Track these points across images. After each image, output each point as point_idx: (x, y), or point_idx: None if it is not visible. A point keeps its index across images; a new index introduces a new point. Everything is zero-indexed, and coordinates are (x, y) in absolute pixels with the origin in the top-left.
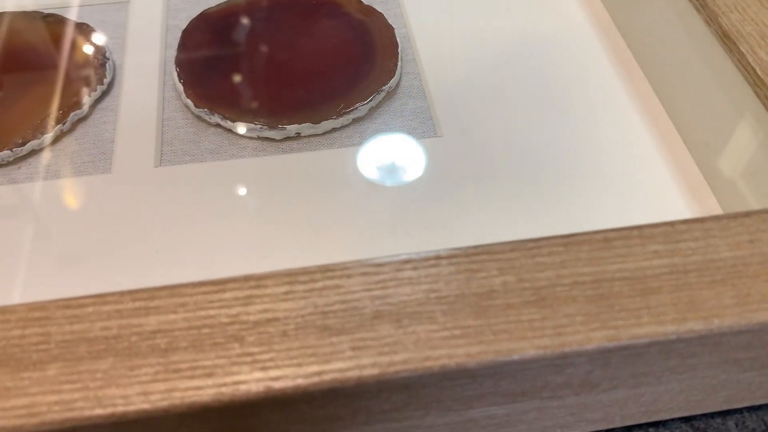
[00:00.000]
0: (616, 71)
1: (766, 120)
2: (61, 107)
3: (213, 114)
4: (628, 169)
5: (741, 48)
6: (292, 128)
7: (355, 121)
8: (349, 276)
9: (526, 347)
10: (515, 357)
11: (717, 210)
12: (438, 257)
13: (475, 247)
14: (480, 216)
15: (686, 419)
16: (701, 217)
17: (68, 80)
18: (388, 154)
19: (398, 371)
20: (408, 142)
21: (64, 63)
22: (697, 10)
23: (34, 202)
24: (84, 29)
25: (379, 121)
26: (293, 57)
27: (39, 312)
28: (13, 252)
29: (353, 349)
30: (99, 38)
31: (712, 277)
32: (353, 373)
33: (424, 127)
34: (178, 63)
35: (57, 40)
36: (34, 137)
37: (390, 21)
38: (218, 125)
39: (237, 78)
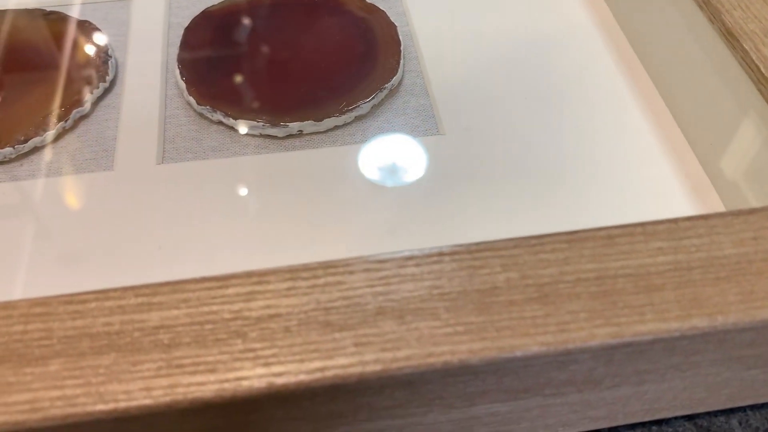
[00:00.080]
0: (619, 69)
1: None
2: (63, 104)
3: (215, 111)
4: (631, 166)
5: (744, 45)
6: (294, 126)
7: (358, 118)
8: (351, 272)
9: (529, 344)
10: (518, 354)
11: (720, 207)
12: (441, 254)
13: (478, 243)
14: (482, 213)
15: (689, 417)
16: (705, 214)
17: (70, 78)
18: (390, 151)
19: (401, 367)
20: (410, 139)
21: (67, 60)
22: (700, 7)
23: (36, 199)
24: (86, 27)
25: (382, 119)
26: (295, 54)
27: (41, 307)
28: (16, 249)
29: (356, 345)
30: (101, 36)
31: (716, 274)
32: (356, 369)
33: (426, 125)
34: (181, 61)
35: (59, 37)
36: (36, 134)
37: (392, 19)
38: (220, 123)
39: (239, 75)
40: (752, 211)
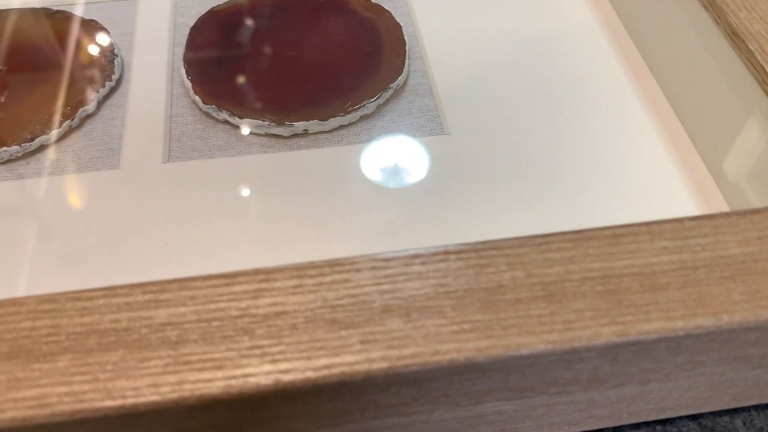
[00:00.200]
0: (623, 68)
1: None
2: (69, 103)
3: (221, 111)
4: (635, 166)
5: (750, 46)
6: (299, 125)
7: (363, 118)
8: (358, 270)
9: (535, 342)
10: (524, 352)
11: (724, 207)
12: (447, 252)
13: (484, 242)
14: (487, 213)
15: (694, 417)
16: (710, 214)
17: (76, 76)
18: (395, 151)
19: (407, 365)
20: (415, 139)
21: (73, 59)
22: (705, 8)
23: (43, 197)
24: (92, 26)
25: (387, 119)
26: (301, 54)
27: (49, 304)
28: (23, 247)
29: (362, 342)
30: (107, 35)
31: (721, 273)
32: (362, 367)
33: (431, 125)
34: (186, 60)
35: (65, 36)
36: (42, 133)
37: (398, 19)
38: (226, 122)
39: (245, 75)
40: (757, 211)
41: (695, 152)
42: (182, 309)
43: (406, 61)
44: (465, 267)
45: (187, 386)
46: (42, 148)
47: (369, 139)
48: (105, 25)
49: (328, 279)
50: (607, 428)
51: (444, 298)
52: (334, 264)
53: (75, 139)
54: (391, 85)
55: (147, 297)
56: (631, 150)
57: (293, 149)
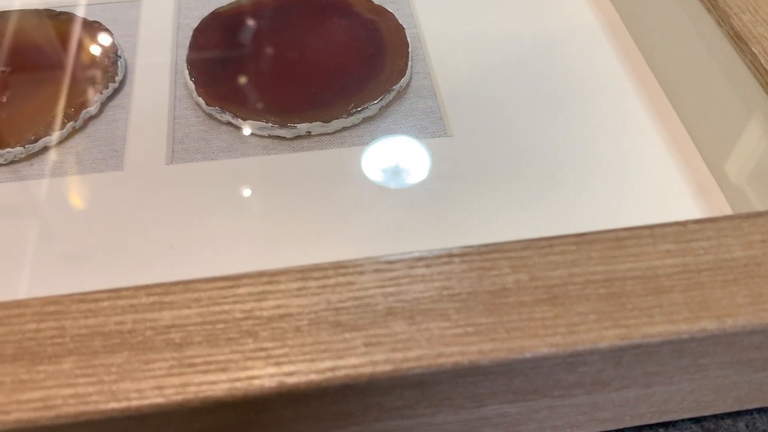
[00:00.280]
0: (626, 70)
1: None
2: (73, 105)
3: (224, 112)
4: (638, 168)
5: (753, 49)
6: (302, 127)
7: (366, 120)
8: (361, 273)
9: (539, 345)
10: (528, 355)
11: (727, 210)
12: (450, 255)
13: (488, 245)
14: (490, 215)
15: (696, 420)
16: (713, 217)
17: (80, 78)
18: (398, 153)
19: (411, 368)
20: (418, 141)
21: (76, 61)
22: (709, 11)
23: (46, 198)
24: (96, 27)
25: (390, 121)
26: (304, 56)
27: (54, 306)
28: (26, 249)
29: (366, 345)
30: (110, 36)
31: (724, 276)
32: (366, 369)
33: (434, 127)
34: (190, 61)
35: (69, 38)
36: (46, 134)
37: (401, 21)
38: (229, 123)
39: (248, 77)
40: (761, 214)
41: (697, 154)
42: (186, 311)
43: (409, 62)
44: (469, 270)
45: (192, 388)
46: (45, 149)
47: (372, 141)
48: (108, 27)
49: (332, 281)
50: (610, 431)
51: (448, 301)
52: (338, 266)
53: (78, 140)
54: (394, 87)
55: (151, 299)
56: (633, 151)
57: (296, 151)
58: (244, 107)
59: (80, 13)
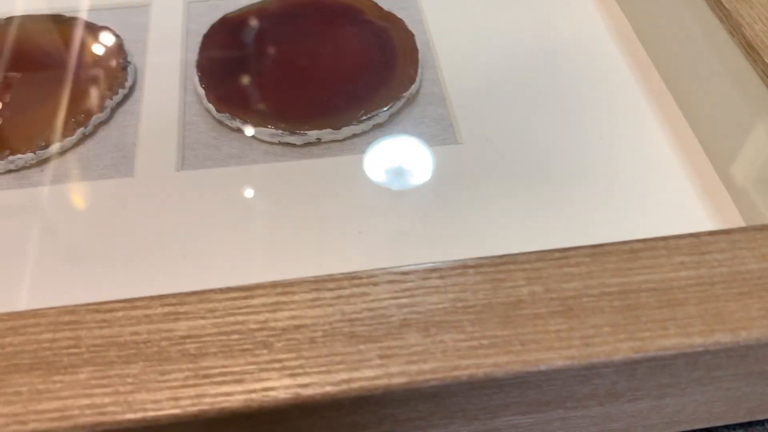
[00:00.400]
0: (636, 80)
1: None
2: (82, 110)
3: (234, 119)
4: (649, 178)
5: (765, 59)
6: (312, 134)
7: (376, 127)
8: (375, 284)
9: (554, 357)
10: (543, 367)
11: (738, 221)
12: (465, 266)
13: (502, 256)
14: (502, 224)
15: (708, 430)
16: (727, 229)
17: (90, 83)
18: (408, 160)
19: (426, 380)
20: (428, 149)
21: (86, 66)
22: (721, 20)
23: (57, 205)
24: (105, 33)
25: (400, 128)
26: (314, 62)
27: (69, 316)
28: (36, 255)
29: (381, 357)
30: (120, 42)
31: (738, 289)
32: (381, 382)
33: (444, 134)
34: (200, 67)
35: (79, 43)
36: (56, 140)
37: (410, 27)
38: (239, 130)
39: (258, 83)
40: None
41: (708, 164)
42: (202, 322)
43: (419, 69)
44: (483, 281)
45: (207, 400)
46: (56, 155)
47: (382, 149)
48: (117, 32)
49: (346, 292)
50: None
51: (462, 313)
52: (352, 277)
53: (89, 146)
54: (404, 94)
55: (166, 309)
56: (643, 161)
57: (306, 158)
58: (254, 114)
59: (89, 18)
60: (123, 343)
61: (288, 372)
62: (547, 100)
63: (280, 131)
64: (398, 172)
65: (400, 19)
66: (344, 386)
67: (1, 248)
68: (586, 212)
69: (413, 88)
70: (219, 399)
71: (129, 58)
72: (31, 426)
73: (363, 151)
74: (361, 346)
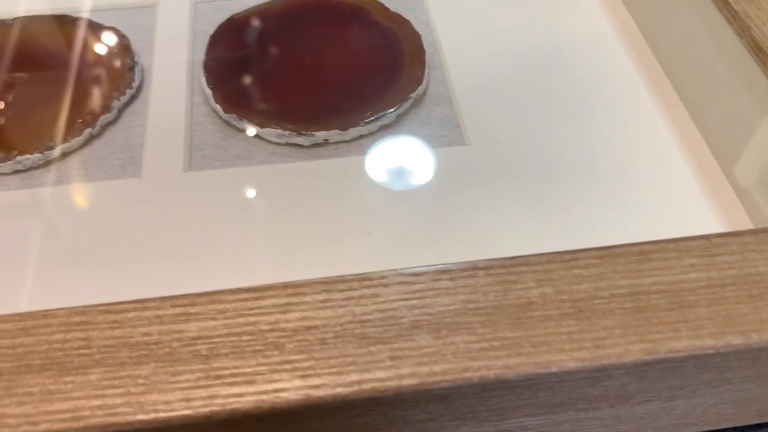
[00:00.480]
0: (643, 81)
1: None
2: (90, 111)
3: (241, 120)
4: (656, 179)
5: None
6: (320, 135)
7: (383, 128)
8: (386, 285)
9: (565, 359)
10: (554, 369)
11: (746, 222)
12: (475, 268)
13: (512, 258)
14: (509, 225)
15: None
16: (738, 231)
17: (97, 84)
18: (415, 161)
19: (438, 381)
20: (436, 150)
21: (93, 67)
22: (729, 22)
23: (65, 205)
24: (112, 33)
25: (407, 129)
26: (321, 63)
27: (80, 316)
28: (44, 256)
29: (392, 358)
30: (127, 42)
31: (749, 291)
32: (393, 383)
33: (451, 135)
34: (207, 68)
35: (86, 44)
36: (64, 141)
37: (417, 28)
38: (246, 131)
39: (265, 84)
40: None
41: (716, 165)
42: (212, 323)
43: (426, 70)
44: (494, 283)
45: (219, 401)
46: (63, 155)
47: (389, 149)
48: (125, 32)
49: (356, 293)
50: None
51: (473, 315)
52: (362, 278)
53: (96, 147)
54: (412, 95)
55: (177, 310)
56: (651, 162)
57: (313, 159)
58: (261, 115)
59: (96, 19)
60: (134, 343)
61: (299, 373)
62: (554, 101)
63: (288, 132)
64: (406, 173)
65: (407, 20)
66: (355, 387)
67: (7, 249)
68: (594, 213)
69: (420, 89)
70: (230, 400)
71: (136, 59)
72: (43, 426)
73: (370, 152)
74: (372, 348)
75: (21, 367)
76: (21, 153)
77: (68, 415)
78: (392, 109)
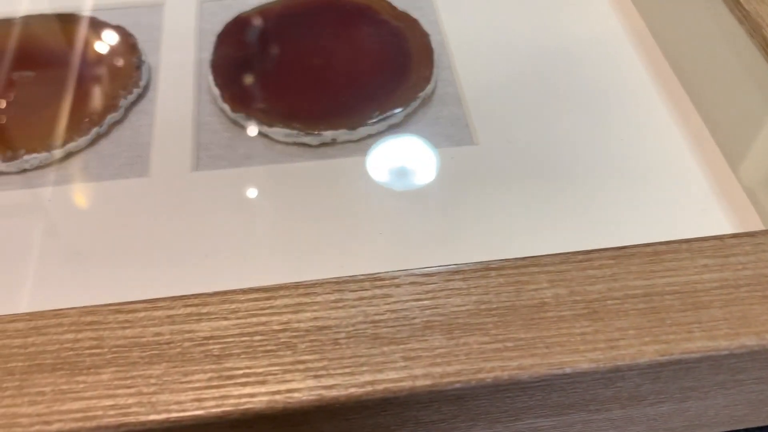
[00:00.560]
0: (653, 81)
1: None
2: (97, 110)
3: (249, 119)
4: (666, 179)
5: None
6: (328, 134)
7: (391, 127)
8: (398, 285)
9: (579, 360)
10: (568, 370)
11: (756, 223)
12: (487, 268)
13: (525, 258)
14: (519, 226)
15: None
16: (752, 231)
17: (104, 83)
18: (424, 161)
19: (451, 382)
20: (444, 149)
21: (100, 66)
22: (740, 22)
23: (72, 204)
24: (119, 32)
25: (415, 128)
26: (328, 63)
27: (91, 316)
28: (52, 255)
29: (405, 359)
30: (134, 41)
31: (763, 291)
32: (406, 384)
33: (460, 135)
34: (214, 67)
35: (93, 43)
36: (71, 139)
37: (425, 27)
38: (254, 130)
39: (273, 83)
40: None
41: (726, 166)
42: (224, 323)
43: (434, 70)
44: (506, 283)
45: (231, 401)
46: (71, 154)
47: (397, 149)
48: (131, 31)
49: (368, 294)
50: None
51: (486, 315)
52: (374, 279)
53: (103, 145)
54: (420, 95)
55: (189, 310)
56: (661, 163)
57: (321, 158)
58: (269, 114)
59: (103, 17)
60: (145, 343)
61: (312, 373)
62: (563, 101)
63: (295, 131)
64: (414, 173)
65: (415, 19)
66: (368, 388)
67: (12, 248)
68: (605, 213)
69: (428, 88)
70: (242, 400)
71: (143, 57)
72: (56, 426)
73: (378, 152)
74: (385, 348)
75: (33, 367)
76: (28, 152)
77: (80, 414)
78: (400, 109)
